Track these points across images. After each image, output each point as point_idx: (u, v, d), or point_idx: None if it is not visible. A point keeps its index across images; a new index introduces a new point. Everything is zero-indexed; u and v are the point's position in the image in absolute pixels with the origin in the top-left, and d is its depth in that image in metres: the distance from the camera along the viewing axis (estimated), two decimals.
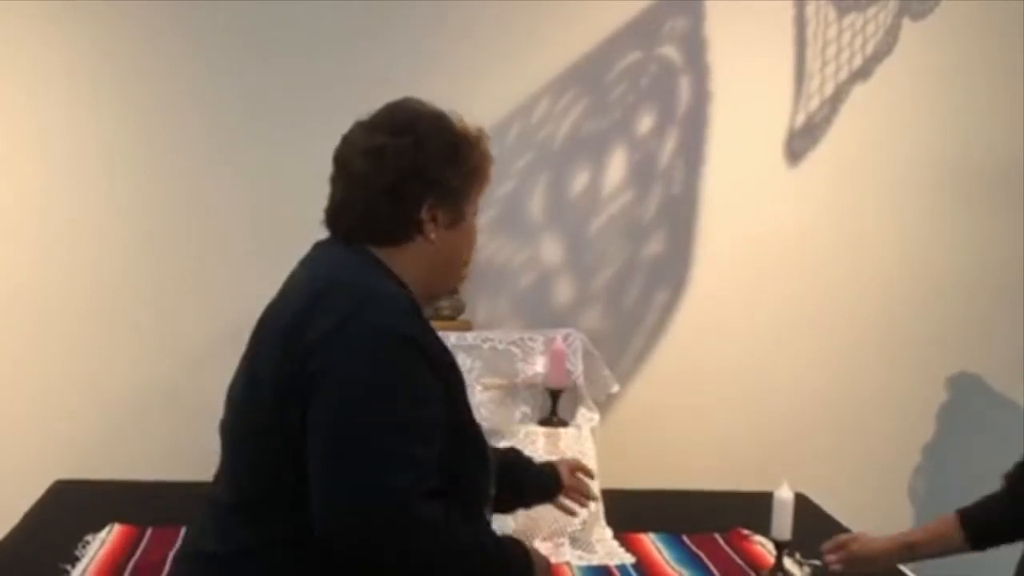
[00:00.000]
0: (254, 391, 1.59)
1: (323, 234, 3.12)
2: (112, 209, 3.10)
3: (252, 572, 1.56)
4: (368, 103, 3.09)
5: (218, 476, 1.70)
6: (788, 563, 2.33)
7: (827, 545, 2.26)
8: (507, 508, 2.05)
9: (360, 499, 1.45)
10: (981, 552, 2.07)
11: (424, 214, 1.64)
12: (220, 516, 1.63)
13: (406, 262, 1.65)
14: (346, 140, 1.71)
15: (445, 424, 1.57)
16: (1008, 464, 2.61)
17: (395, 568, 1.51)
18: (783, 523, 2.39)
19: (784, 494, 2.38)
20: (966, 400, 3.36)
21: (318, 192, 3.11)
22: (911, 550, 2.15)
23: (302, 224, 3.23)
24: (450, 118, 1.70)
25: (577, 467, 2.16)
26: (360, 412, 1.47)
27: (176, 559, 1.79)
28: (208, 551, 1.62)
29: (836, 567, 2.19)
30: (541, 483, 2.07)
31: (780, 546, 2.44)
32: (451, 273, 1.73)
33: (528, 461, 2.09)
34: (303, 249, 3.24)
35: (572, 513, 2.18)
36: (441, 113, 1.70)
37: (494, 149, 3.27)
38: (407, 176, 1.62)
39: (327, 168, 3.07)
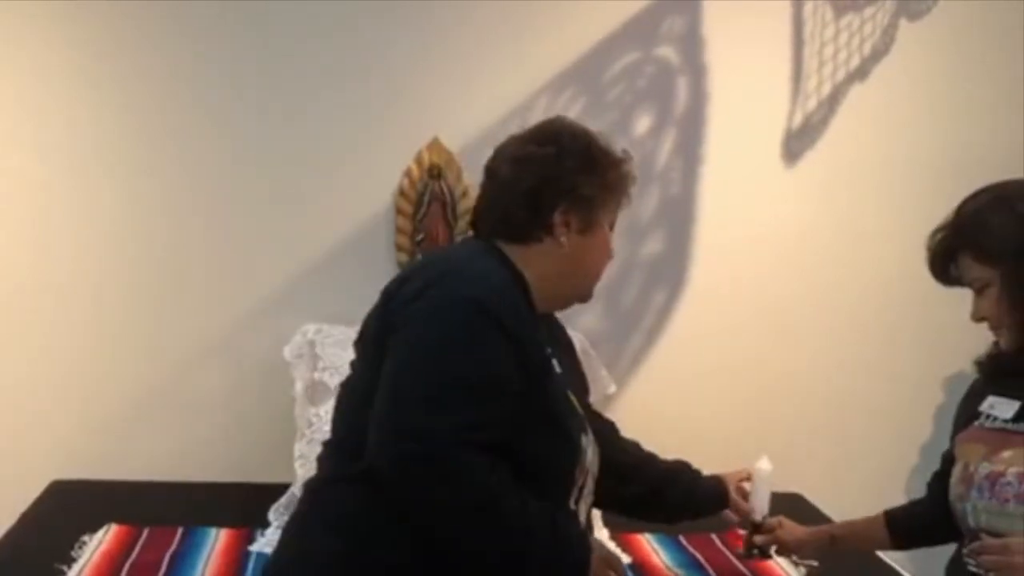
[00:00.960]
0: (364, 348, 1.77)
1: (320, 236, 3.15)
2: (108, 211, 3.10)
3: (332, 499, 1.73)
4: (366, 102, 3.13)
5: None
6: (760, 540, 2.27)
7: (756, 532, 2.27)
8: (659, 515, 2.26)
9: (403, 439, 1.55)
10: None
11: (557, 218, 1.79)
12: (327, 454, 1.82)
13: (533, 259, 1.79)
14: (498, 150, 1.88)
15: (525, 404, 1.65)
16: None
17: (436, 511, 1.59)
18: (761, 498, 2.23)
19: (763, 466, 2.26)
20: None
21: (316, 193, 3.14)
22: (832, 542, 2.28)
23: (300, 225, 3.26)
24: (595, 136, 1.87)
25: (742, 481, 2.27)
26: (417, 363, 1.60)
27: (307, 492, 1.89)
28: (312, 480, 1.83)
29: (763, 545, 2.26)
30: (701, 495, 2.23)
31: (756, 524, 2.25)
32: (579, 279, 1.86)
33: (688, 472, 2.27)
34: (299, 250, 3.25)
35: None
36: (587, 131, 1.88)
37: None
38: (546, 181, 1.79)
39: (327, 169, 3.12)
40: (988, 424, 1.98)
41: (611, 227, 1.89)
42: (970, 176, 3.29)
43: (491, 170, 1.87)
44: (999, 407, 1.98)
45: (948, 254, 2.04)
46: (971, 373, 3.32)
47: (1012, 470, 1.83)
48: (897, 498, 3.34)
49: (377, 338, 1.71)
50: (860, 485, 3.27)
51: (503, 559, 1.64)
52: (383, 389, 1.61)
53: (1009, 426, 1.92)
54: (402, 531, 1.63)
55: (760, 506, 2.21)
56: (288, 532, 1.82)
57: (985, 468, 1.89)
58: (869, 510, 3.11)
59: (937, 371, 3.36)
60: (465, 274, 1.69)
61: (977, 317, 2.02)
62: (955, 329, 3.32)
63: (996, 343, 2.06)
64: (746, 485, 2.25)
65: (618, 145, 1.92)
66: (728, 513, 2.24)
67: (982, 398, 2.06)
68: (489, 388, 1.61)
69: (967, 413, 2.08)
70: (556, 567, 1.68)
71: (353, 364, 1.83)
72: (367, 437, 1.62)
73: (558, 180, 1.79)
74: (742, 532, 2.33)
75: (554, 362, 1.79)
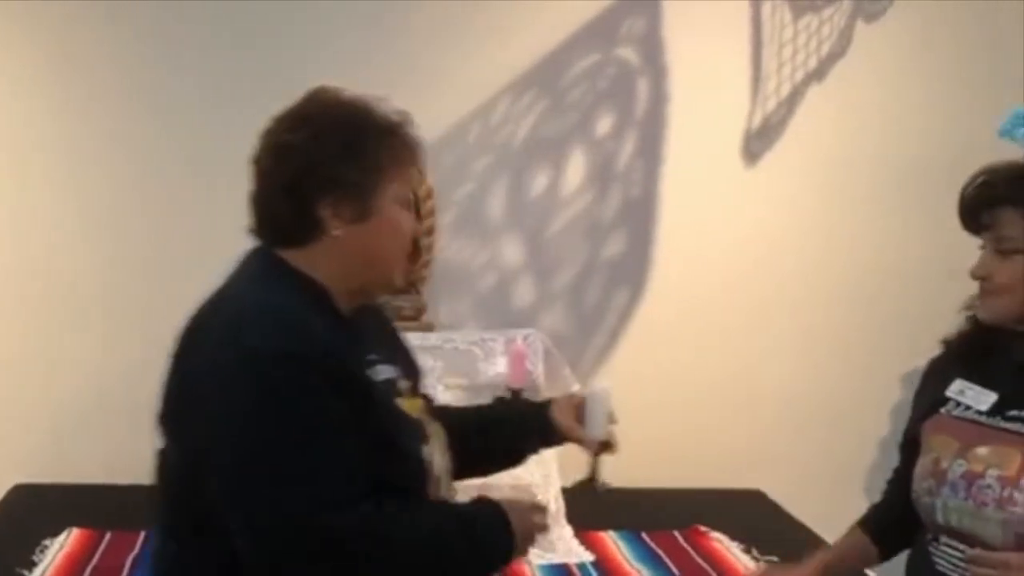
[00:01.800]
0: (166, 424, 1.60)
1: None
2: (68, 217, 3.08)
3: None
4: None
5: None
6: (604, 474, 2.04)
7: None
8: (501, 461, 1.90)
9: (270, 533, 1.43)
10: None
11: (324, 212, 1.54)
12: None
13: (318, 261, 1.55)
14: (261, 136, 1.62)
15: (360, 435, 1.49)
16: None
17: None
18: (596, 421, 1.81)
19: (597, 385, 1.93)
20: None
21: None
22: (827, 571, 2.03)
23: None
24: (357, 108, 1.58)
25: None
26: (242, 442, 1.44)
27: None
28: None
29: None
30: (525, 427, 1.86)
31: (596, 451, 1.82)
32: (374, 269, 1.60)
33: (517, 408, 2.07)
34: None
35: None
36: (347, 104, 1.58)
37: (453, 152, 3.31)
38: (303, 173, 1.54)
39: None
40: (957, 413, 1.84)
41: (408, 202, 1.62)
42: (926, 175, 3.37)
43: (254, 161, 1.60)
44: (971, 396, 1.84)
45: (988, 202, 1.83)
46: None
47: (992, 472, 1.73)
48: (855, 494, 3.39)
49: (176, 414, 1.55)
50: (819, 481, 3.32)
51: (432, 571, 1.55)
52: (217, 481, 1.46)
53: (983, 419, 1.80)
54: None
55: (595, 430, 1.82)
56: None
57: (960, 466, 1.77)
58: (828, 506, 3.15)
59: (894, 368, 3.40)
60: (256, 320, 1.48)
61: (981, 274, 1.84)
62: (911, 326, 3.38)
63: (971, 319, 1.91)
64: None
65: (392, 105, 1.62)
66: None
67: (947, 380, 1.89)
68: (328, 436, 1.46)
69: (931, 396, 1.91)
70: (480, 550, 1.56)
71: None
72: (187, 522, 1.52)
73: (316, 170, 1.53)
74: None
75: (377, 369, 1.59)
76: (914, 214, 3.38)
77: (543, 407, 1.84)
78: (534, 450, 1.84)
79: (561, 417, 1.80)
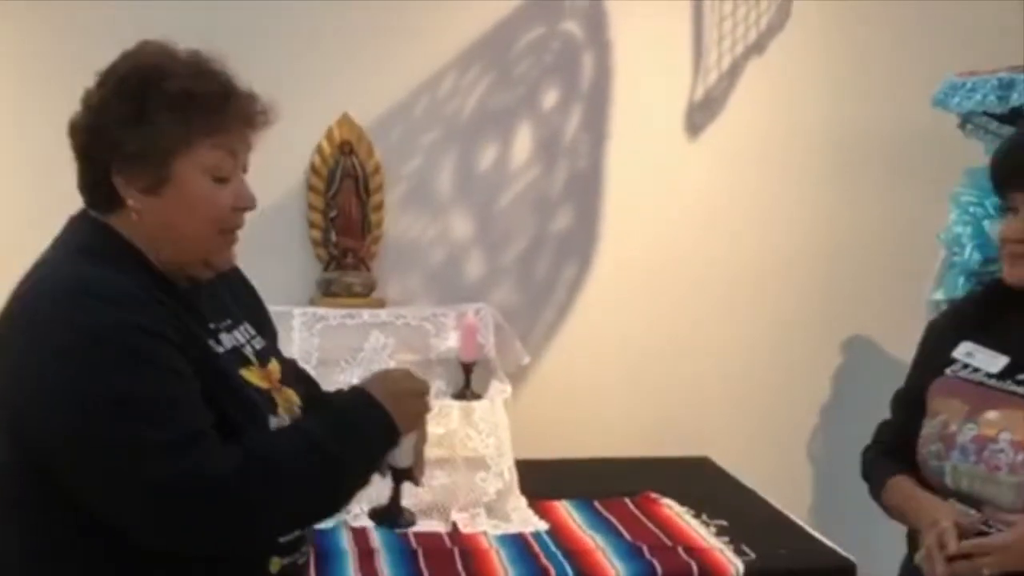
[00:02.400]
0: None
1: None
2: (19, 202, 3.03)
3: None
4: (273, 79, 3.04)
5: None
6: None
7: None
8: None
9: (158, 503, 1.35)
10: None
11: (116, 179, 1.46)
12: None
13: (129, 230, 1.48)
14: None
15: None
16: None
17: (258, 522, 1.41)
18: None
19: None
20: (859, 363, 3.50)
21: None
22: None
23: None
24: (155, 70, 1.47)
25: None
26: (88, 428, 1.34)
27: None
28: None
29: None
30: None
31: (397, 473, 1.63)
32: (180, 244, 1.49)
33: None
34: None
35: None
36: (147, 64, 1.48)
37: (401, 127, 3.29)
38: (91, 138, 1.47)
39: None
40: (965, 375, 1.80)
41: (224, 173, 1.50)
42: (865, 148, 3.45)
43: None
44: (981, 359, 1.80)
45: None
46: (866, 337, 3.50)
47: (1004, 436, 1.70)
48: (799, 458, 3.51)
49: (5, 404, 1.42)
50: (764, 447, 3.40)
51: (325, 484, 1.44)
52: (73, 463, 1.36)
53: (993, 382, 1.76)
54: None
55: (395, 456, 1.58)
56: None
57: (971, 429, 1.74)
58: (773, 470, 3.26)
59: (834, 335, 3.50)
60: (75, 294, 1.39)
61: (1015, 236, 1.76)
62: (851, 294, 3.48)
63: (988, 282, 1.89)
64: None
65: (193, 57, 1.52)
66: None
67: (953, 342, 1.85)
68: (176, 384, 1.39)
69: (936, 357, 1.87)
70: (357, 435, 1.47)
71: None
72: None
73: (100, 136, 1.45)
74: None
75: (221, 339, 1.53)
76: (853, 184, 3.46)
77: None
78: None
79: None
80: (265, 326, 1.71)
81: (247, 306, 1.68)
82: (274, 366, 1.62)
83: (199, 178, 1.47)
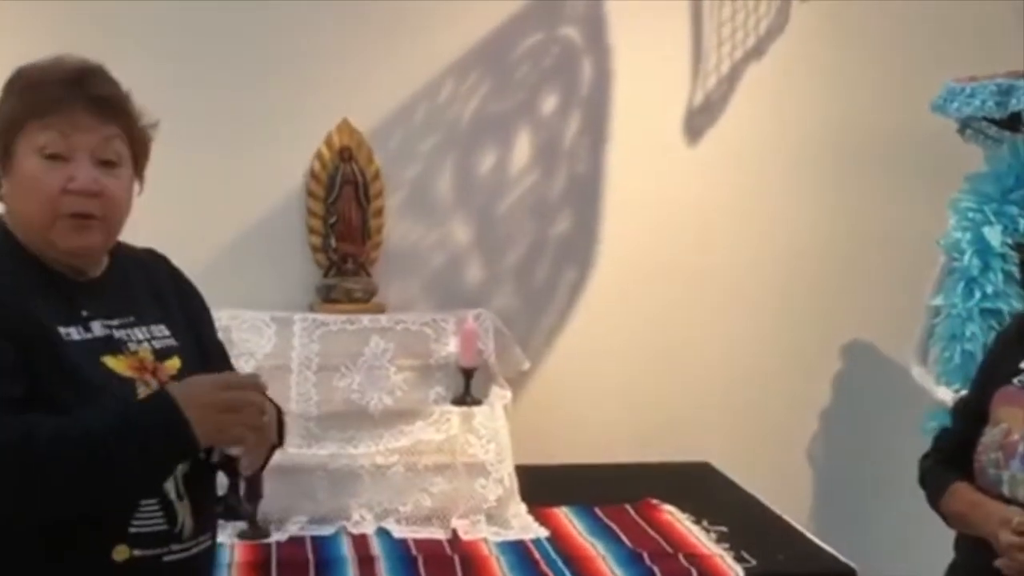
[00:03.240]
0: None
1: (232, 220, 3.12)
2: None
3: None
4: (274, 85, 3.11)
5: None
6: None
7: None
8: None
9: None
10: None
11: None
12: None
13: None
14: None
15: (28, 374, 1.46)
16: (896, 427, 2.74)
17: (18, 496, 1.41)
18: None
19: None
20: (860, 367, 3.50)
21: (227, 177, 3.10)
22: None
23: (212, 210, 3.21)
24: (23, 67, 1.58)
25: None
26: None
27: None
28: None
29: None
30: None
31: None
32: (28, 227, 1.57)
33: None
34: (212, 235, 3.21)
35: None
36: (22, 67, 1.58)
37: (400, 132, 3.29)
38: None
39: (238, 153, 3.09)
40: None
41: (52, 152, 1.54)
42: (864, 152, 3.45)
43: None
44: None
45: None
46: (866, 341, 3.50)
47: None
48: (799, 463, 3.51)
49: None
50: (764, 452, 3.40)
51: (88, 474, 1.42)
52: None
53: None
54: None
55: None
56: None
57: None
58: (773, 475, 3.26)
59: (834, 339, 3.50)
60: None
61: None
62: (850, 300, 3.48)
63: None
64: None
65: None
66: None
67: (1021, 352, 1.85)
68: None
69: (1003, 367, 1.86)
70: (145, 434, 1.45)
71: None
72: None
73: None
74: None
75: (89, 326, 1.56)
76: (852, 189, 3.46)
77: None
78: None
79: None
80: (192, 322, 1.74)
81: (167, 302, 1.72)
82: (172, 363, 1.63)
83: (31, 157, 1.54)
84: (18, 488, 1.41)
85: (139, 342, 1.61)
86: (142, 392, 1.56)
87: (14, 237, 1.58)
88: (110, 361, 1.56)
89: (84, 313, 1.57)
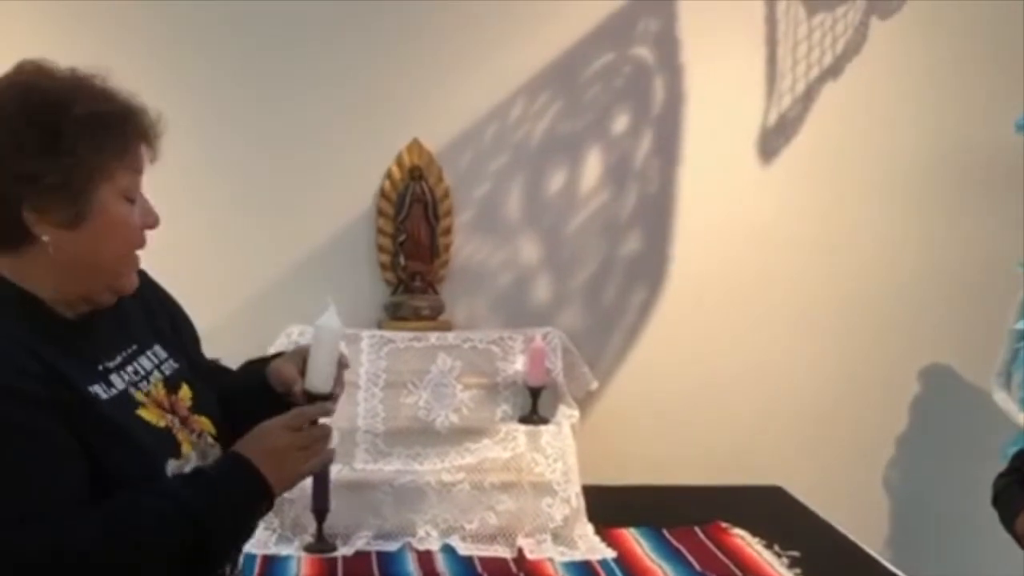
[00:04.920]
0: None
1: (303, 238, 3.17)
2: None
3: None
4: (346, 105, 3.15)
5: None
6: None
7: None
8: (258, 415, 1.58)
9: None
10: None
11: (29, 217, 1.37)
12: None
13: (28, 270, 1.41)
14: None
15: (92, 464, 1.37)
16: (977, 452, 2.66)
17: None
18: (319, 362, 1.56)
19: (325, 320, 1.58)
20: (938, 391, 3.41)
21: (299, 195, 3.15)
22: None
23: (284, 227, 3.27)
24: (56, 95, 1.39)
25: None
26: None
27: None
28: None
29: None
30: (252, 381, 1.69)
31: (311, 397, 1.57)
32: (99, 274, 1.45)
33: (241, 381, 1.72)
34: (283, 252, 3.25)
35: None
36: (45, 88, 1.39)
37: (470, 152, 3.32)
38: None
39: (309, 172, 3.14)
40: None
41: (132, 193, 1.45)
42: (942, 172, 3.38)
43: None
44: None
45: None
46: (944, 365, 3.42)
47: None
48: (875, 489, 3.42)
49: None
50: (839, 477, 3.33)
51: (186, 551, 1.39)
52: None
53: None
54: None
55: (319, 375, 1.56)
56: None
57: None
58: (848, 501, 3.18)
59: (912, 363, 3.41)
60: None
61: None
62: (929, 322, 3.40)
63: None
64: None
65: (119, 82, 1.46)
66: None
67: None
68: (42, 463, 1.33)
69: None
70: (228, 509, 1.42)
71: None
72: None
73: (11, 170, 1.35)
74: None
75: (110, 380, 1.45)
76: (930, 209, 3.39)
77: (268, 362, 1.67)
78: (262, 415, 1.54)
79: (281, 370, 1.61)
80: (179, 336, 1.65)
81: (159, 319, 1.62)
82: (184, 392, 1.55)
83: (118, 203, 1.43)
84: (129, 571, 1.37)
85: (148, 374, 1.52)
86: (182, 440, 1.49)
87: (15, 291, 1.41)
88: (144, 414, 1.47)
89: (100, 367, 1.46)
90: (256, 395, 1.62)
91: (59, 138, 1.36)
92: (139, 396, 1.47)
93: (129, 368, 1.50)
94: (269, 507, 1.48)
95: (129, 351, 1.52)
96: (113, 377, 1.46)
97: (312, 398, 1.55)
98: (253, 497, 1.44)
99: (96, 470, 1.37)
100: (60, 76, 1.41)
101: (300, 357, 1.61)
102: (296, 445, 1.47)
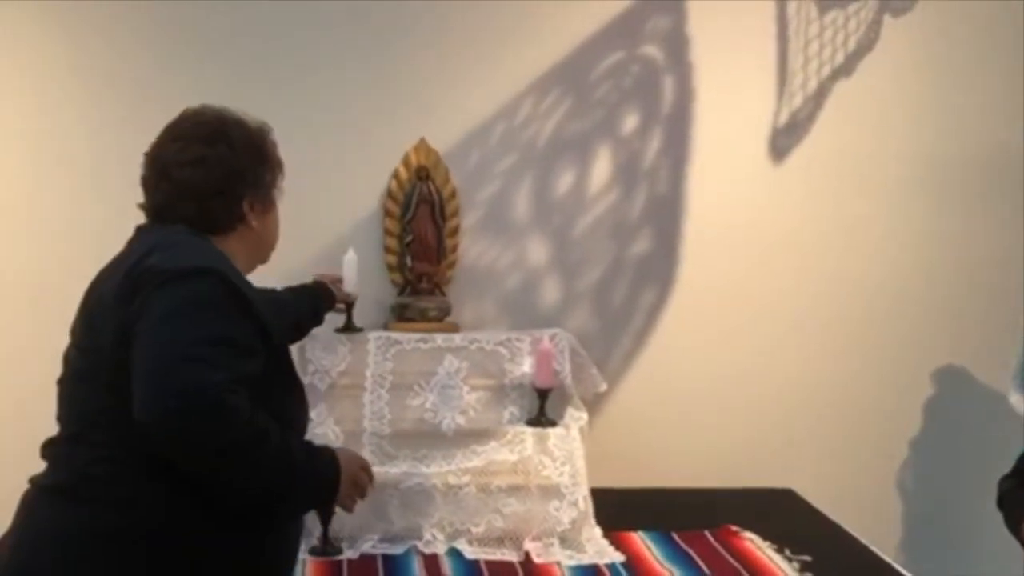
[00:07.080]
0: (93, 339, 1.80)
1: (309, 238, 3.16)
2: (95, 218, 3.09)
3: (94, 491, 1.76)
4: (353, 105, 3.13)
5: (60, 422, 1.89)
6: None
7: None
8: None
9: (172, 394, 1.62)
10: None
11: (246, 208, 1.95)
12: (61, 452, 1.84)
13: (231, 245, 1.93)
14: (157, 154, 1.93)
15: (268, 368, 1.78)
16: (992, 455, 2.63)
17: (212, 452, 1.67)
18: (351, 281, 2.84)
19: (349, 255, 2.85)
20: (952, 394, 3.38)
21: (304, 195, 3.09)
22: None
23: (288, 227, 3.24)
24: (248, 121, 1.99)
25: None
26: (175, 326, 1.68)
27: (24, 502, 1.86)
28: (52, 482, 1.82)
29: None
30: (316, 299, 2.71)
31: (351, 303, 2.88)
32: (265, 250, 2.06)
33: (302, 290, 2.70)
34: (288, 252, 3.24)
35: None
36: (240, 119, 1.98)
37: (478, 152, 3.33)
38: (231, 179, 1.92)
39: (315, 172, 3.12)
40: None
41: (280, 197, 2.07)
42: (954, 171, 3.34)
43: (162, 173, 1.92)
44: None
45: None
46: (956, 366, 3.38)
47: None
48: (887, 492, 3.38)
49: (110, 313, 1.75)
50: (850, 480, 3.30)
51: (269, 488, 1.77)
52: (143, 352, 1.67)
53: None
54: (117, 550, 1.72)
55: (349, 284, 2.82)
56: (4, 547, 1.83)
57: None
58: (860, 504, 3.15)
59: (924, 365, 3.38)
60: (200, 251, 1.83)
61: None
62: (941, 323, 3.36)
63: None
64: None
65: (256, 116, 2.02)
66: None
67: None
68: (243, 348, 1.72)
69: None
70: (312, 479, 1.84)
71: (69, 354, 1.88)
72: (118, 412, 1.68)
73: (241, 175, 1.93)
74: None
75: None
76: (943, 210, 3.35)
77: (317, 283, 2.74)
78: (325, 311, 2.73)
79: (325, 275, 2.77)
80: None
81: None
82: None
83: (278, 200, 2.06)
84: (242, 462, 1.71)
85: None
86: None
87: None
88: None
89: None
90: (316, 298, 2.70)
91: (263, 150, 1.99)
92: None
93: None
94: (326, 505, 2.06)
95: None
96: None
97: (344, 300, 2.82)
98: (324, 495, 1.89)
99: (265, 379, 1.76)
100: (225, 108, 1.99)
101: (327, 278, 2.79)
102: (360, 484, 1.96)
